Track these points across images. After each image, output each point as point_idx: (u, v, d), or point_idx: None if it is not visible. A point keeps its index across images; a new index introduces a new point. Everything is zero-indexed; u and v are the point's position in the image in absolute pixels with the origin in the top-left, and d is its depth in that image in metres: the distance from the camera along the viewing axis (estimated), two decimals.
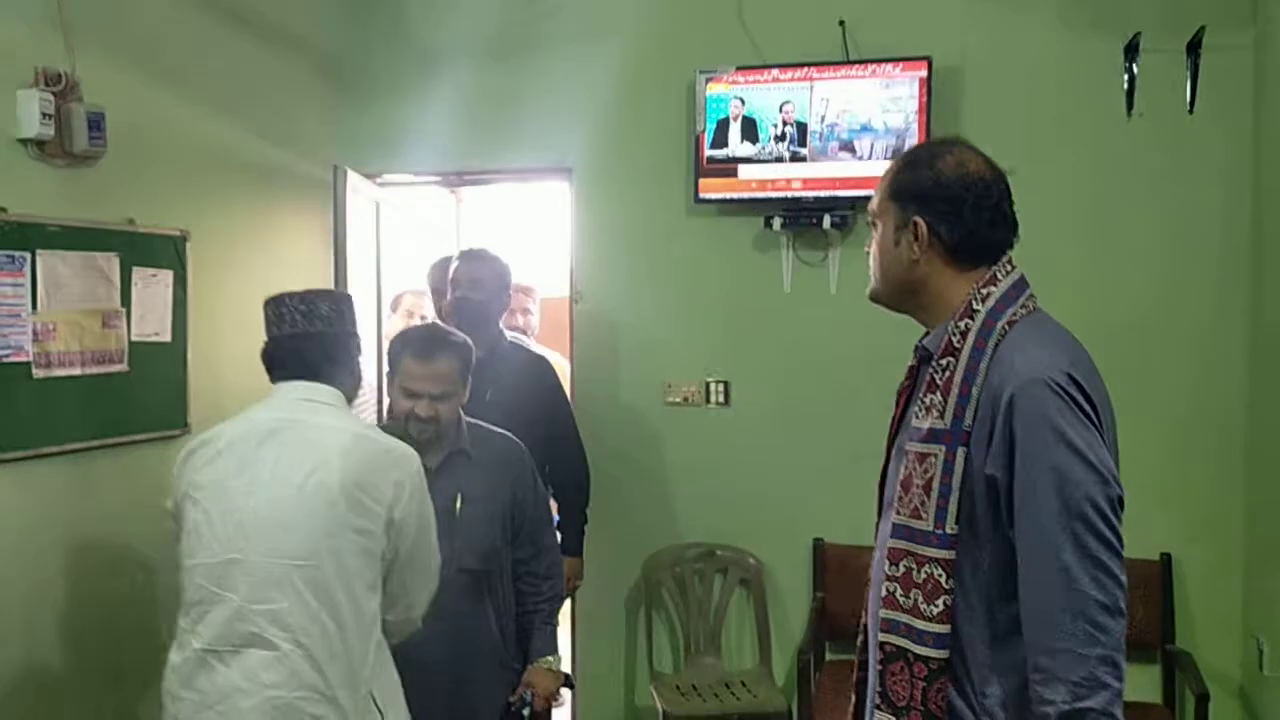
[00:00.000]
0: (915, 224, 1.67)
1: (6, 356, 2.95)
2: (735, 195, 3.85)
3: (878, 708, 1.66)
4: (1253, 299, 3.49)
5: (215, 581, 2.03)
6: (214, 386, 3.54)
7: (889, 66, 3.67)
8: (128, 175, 3.34)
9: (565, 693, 2.93)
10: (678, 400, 4.05)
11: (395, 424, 2.58)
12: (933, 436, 1.62)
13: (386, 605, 2.16)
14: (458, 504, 2.59)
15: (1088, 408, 1.54)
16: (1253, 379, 3.50)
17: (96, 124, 3.12)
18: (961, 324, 1.64)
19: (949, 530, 1.58)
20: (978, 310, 1.64)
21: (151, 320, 3.43)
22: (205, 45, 3.70)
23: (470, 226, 5.68)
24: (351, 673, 2.04)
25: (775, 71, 3.79)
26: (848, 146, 3.75)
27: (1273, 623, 3.27)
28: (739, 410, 4.00)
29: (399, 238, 4.66)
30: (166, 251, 3.49)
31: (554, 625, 2.86)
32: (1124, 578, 1.50)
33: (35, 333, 3.02)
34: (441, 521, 2.48)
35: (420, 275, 4.29)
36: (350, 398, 2.29)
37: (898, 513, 1.66)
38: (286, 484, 2.05)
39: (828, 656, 3.81)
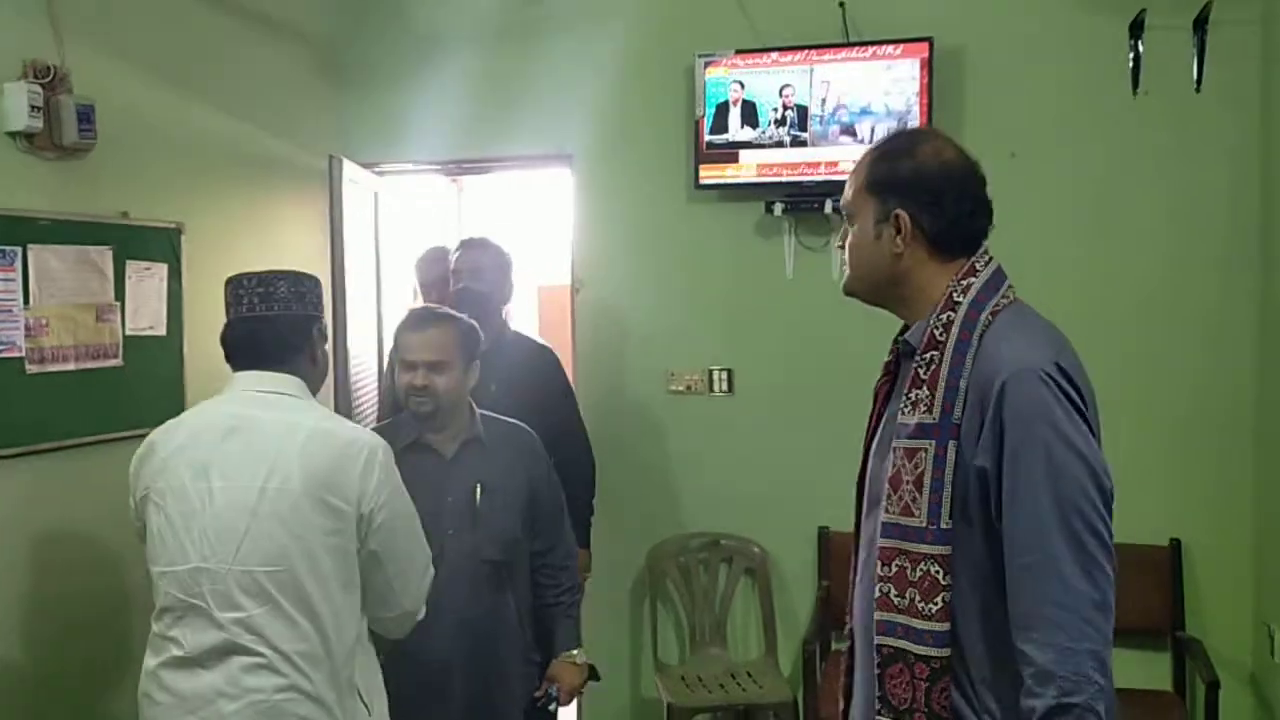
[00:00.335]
0: (897, 216, 1.63)
1: (0, 352, 2.92)
2: (735, 180, 3.80)
3: (878, 713, 1.61)
4: (1261, 280, 3.44)
5: (186, 591, 1.96)
6: (210, 380, 3.44)
7: (889, 48, 3.62)
8: (120, 167, 3.31)
9: (590, 684, 2.88)
10: (681, 389, 4.02)
11: (398, 401, 2.61)
12: (921, 432, 1.58)
13: (377, 604, 2.09)
14: (477, 494, 2.56)
15: (1077, 399, 1.51)
16: (1261, 361, 3.45)
17: (86, 116, 3.08)
18: (944, 317, 1.60)
19: (943, 525, 1.54)
20: (959, 302, 1.60)
21: (146, 314, 3.40)
22: (198, 35, 3.66)
23: (472, 215, 5.63)
24: (334, 671, 1.99)
25: (775, 55, 3.74)
26: (849, 130, 3.70)
27: None
28: (742, 398, 3.97)
29: (399, 227, 4.63)
30: (161, 244, 3.46)
31: (576, 618, 2.81)
32: (1113, 574, 1.47)
33: (28, 328, 2.99)
34: (462, 512, 2.53)
35: None
36: (315, 384, 2.17)
37: (887, 511, 1.62)
38: (247, 489, 1.96)
39: (833, 646, 3.77)
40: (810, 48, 3.70)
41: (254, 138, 3.91)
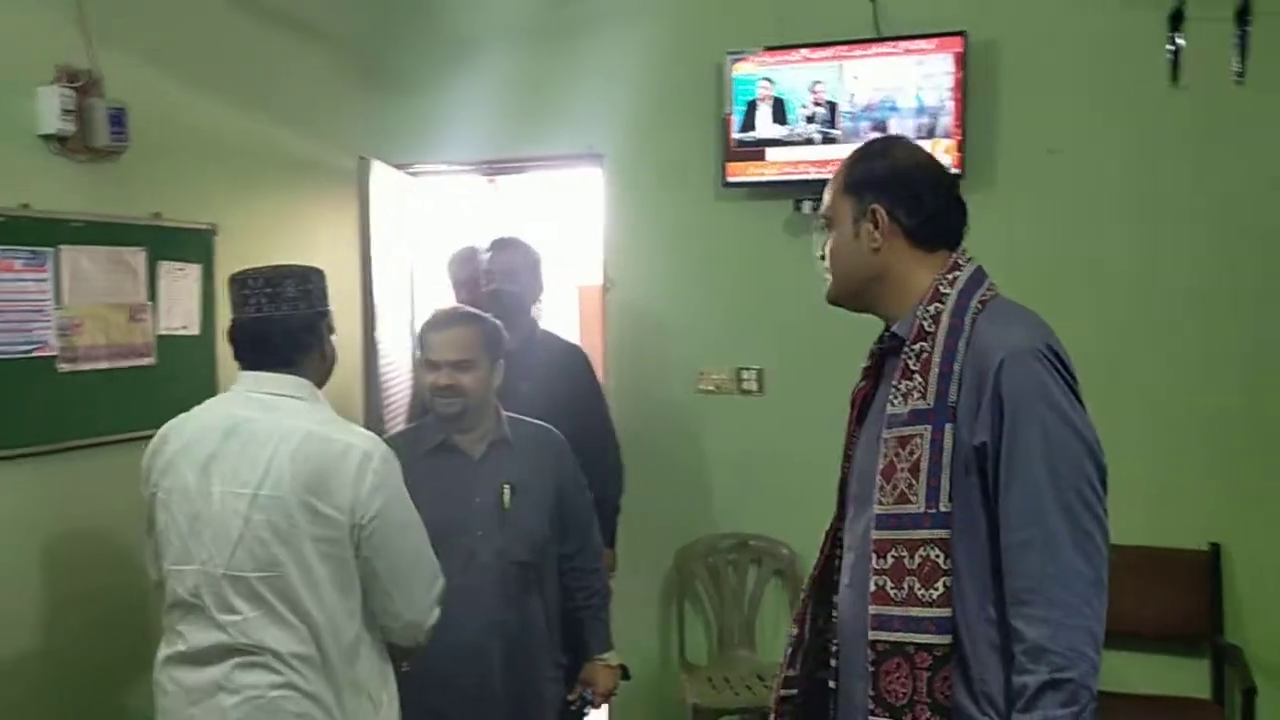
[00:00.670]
0: (874, 211, 1.69)
1: (31, 352, 2.98)
2: (763, 179, 3.77)
3: (871, 713, 1.58)
4: None
5: (189, 591, 2.00)
6: None
7: (921, 42, 3.56)
8: (153, 169, 3.36)
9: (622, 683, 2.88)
10: (710, 388, 3.99)
11: (430, 406, 2.59)
12: (916, 418, 1.59)
13: (380, 612, 2.06)
14: (505, 495, 2.53)
15: (1069, 379, 1.55)
16: None
17: (118, 119, 3.14)
18: (931, 308, 1.64)
19: (942, 508, 1.54)
20: (947, 294, 1.64)
21: (179, 313, 3.45)
22: (231, 39, 3.71)
23: (508, 215, 5.64)
24: (330, 671, 1.99)
25: (805, 51, 3.70)
26: (880, 126, 3.64)
27: None
28: (771, 398, 3.93)
29: (434, 227, 4.66)
30: (194, 245, 3.51)
31: (606, 620, 2.79)
32: (1107, 551, 1.48)
33: (60, 327, 3.05)
34: (490, 513, 2.50)
35: None
36: (321, 380, 2.17)
37: (880, 503, 1.61)
38: (240, 495, 1.97)
39: None
40: (840, 43, 3.66)
41: (287, 140, 3.96)
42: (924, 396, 1.59)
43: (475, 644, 2.46)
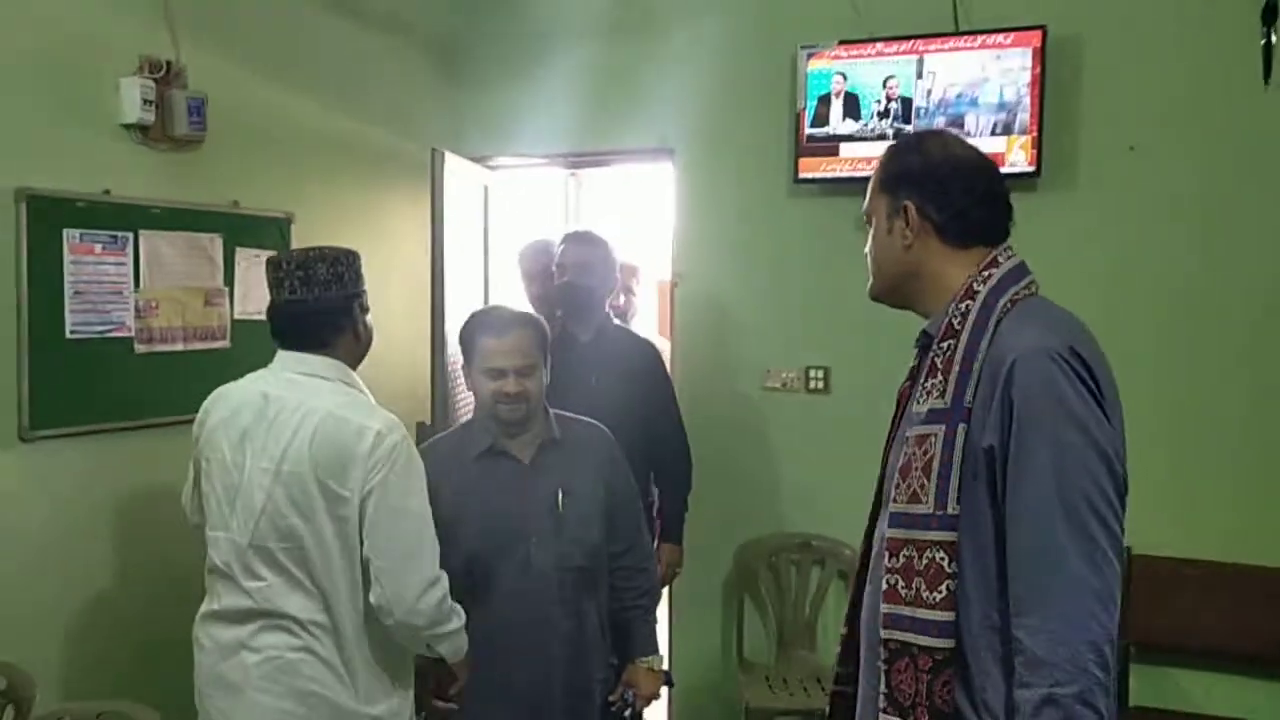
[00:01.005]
0: (905, 208, 1.66)
1: (110, 332, 3.10)
2: (835, 175, 3.72)
3: (883, 711, 1.56)
4: None
5: (221, 556, 2.15)
6: None
7: (999, 37, 3.46)
8: (232, 158, 3.47)
9: (663, 690, 2.82)
10: (776, 386, 3.95)
11: (483, 412, 2.49)
12: (933, 417, 1.56)
13: (374, 606, 2.09)
14: (560, 500, 2.46)
15: (1090, 382, 1.47)
16: None
17: (197, 109, 3.24)
18: (962, 305, 1.60)
19: (950, 510, 1.51)
20: (979, 291, 1.60)
21: (255, 299, 3.54)
22: (311, 32, 3.81)
23: (589, 209, 5.68)
24: (341, 642, 2.10)
25: (879, 45, 3.64)
26: (956, 122, 3.56)
27: None
28: (838, 397, 3.87)
29: (513, 221, 4.70)
30: (270, 233, 3.61)
31: (654, 622, 2.71)
32: (1119, 565, 1.42)
33: (137, 309, 3.17)
34: (545, 519, 2.43)
35: None
36: (356, 359, 2.26)
37: (895, 501, 1.59)
38: (265, 471, 2.09)
39: None
40: (916, 37, 3.58)
41: (365, 132, 4.04)
42: (942, 396, 1.56)
43: (534, 652, 2.42)
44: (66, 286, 2.98)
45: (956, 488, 1.50)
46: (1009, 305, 1.56)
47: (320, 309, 2.16)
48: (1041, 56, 3.41)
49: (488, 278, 4.46)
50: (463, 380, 2.67)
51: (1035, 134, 3.41)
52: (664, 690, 2.80)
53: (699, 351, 4.08)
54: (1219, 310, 3.34)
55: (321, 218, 3.79)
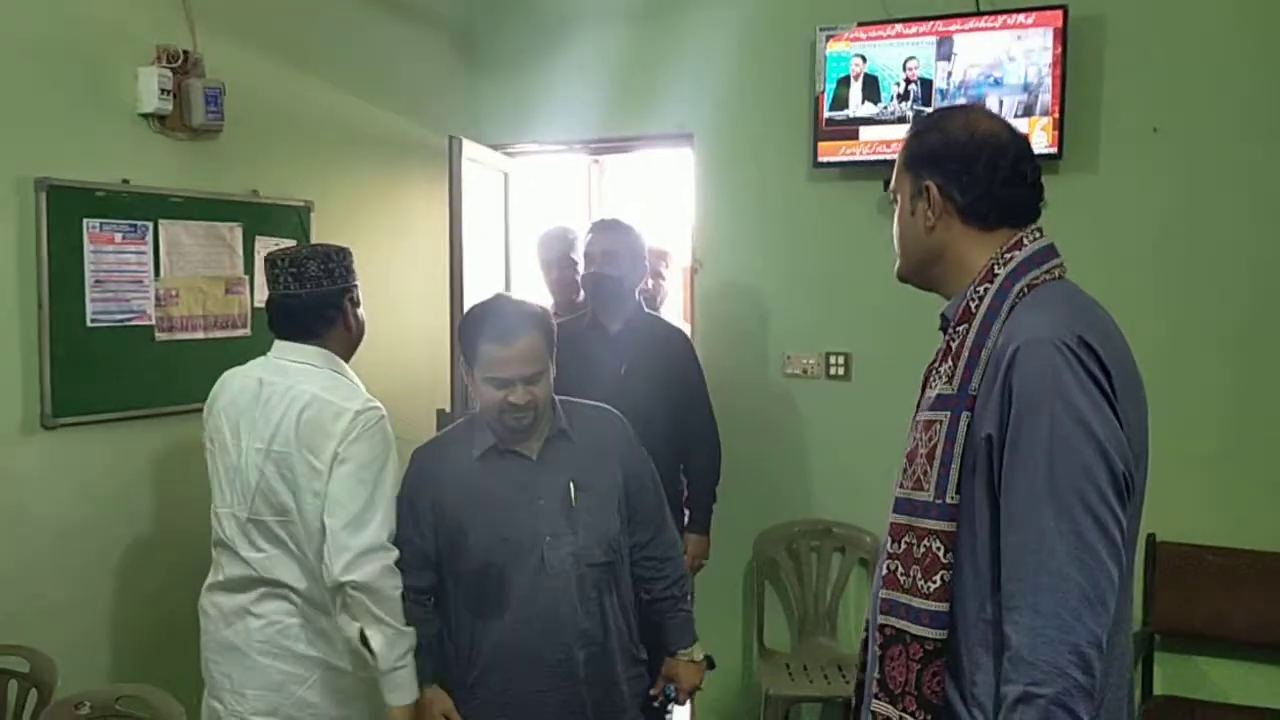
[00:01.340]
0: (927, 188, 1.61)
1: (130, 320, 3.13)
2: (854, 158, 3.68)
3: (875, 696, 1.55)
4: None
5: (223, 530, 2.37)
6: None
7: (1020, 16, 3.41)
8: (251, 147, 3.48)
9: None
10: (796, 372, 3.93)
11: (489, 419, 2.34)
12: (940, 403, 1.52)
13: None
14: (572, 494, 2.34)
15: (1099, 374, 1.41)
16: None
17: (214, 99, 3.25)
18: (980, 289, 1.55)
19: (949, 500, 1.47)
20: (998, 274, 1.54)
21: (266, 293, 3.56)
22: (329, 20, 3.81)
23: (612, 195, 5.66)
24: (322, 614, 2.27)
25: (899, 26, 3.59)
26: (977, 104, 3.52)
27: None
28: (859, 383, 3.85)
29: (534, 208, 4.70)
30: (290, 221, 3.62)
31: (688, 611, 2.56)
32: (1113, 566, 1.36)
33: (157, 298, 3.19)
34: (557, 516, 2.32)
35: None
36: (352, 347, 2.43)
37: (901, 486, 1.56)
38: (258, 450, 2.28)
39: None
40: (936, 18, 3.54)
41: (384, 119, 4.05)
42: (950, 382, 1.51)
43: (557, 656, 2.32)
44: (87, 275, 3.01)
45: (956, 477, 1.47)
46: (1024, 290, 1.51)
47: (310, 303, 2.34)
48: (1063, 36, 3.36)
49: (509, 265, 4.47)
50: None
51: (1056, 115, 3.37)
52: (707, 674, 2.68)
53: (719, 337, 4.06)
54: (1242, 295, 3.28)
55: (341, 206, 3.81)
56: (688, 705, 3.21)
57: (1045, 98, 3.40)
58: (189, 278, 3.29)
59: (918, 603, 1.49)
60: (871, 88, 3.64)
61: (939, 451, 1.49)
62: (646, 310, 3.57)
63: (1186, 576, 3.27)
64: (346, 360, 2.41)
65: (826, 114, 3.71)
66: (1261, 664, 3.24)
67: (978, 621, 1.46)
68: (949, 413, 1.50)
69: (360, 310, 2.44)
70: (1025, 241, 1.57)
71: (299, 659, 2.29)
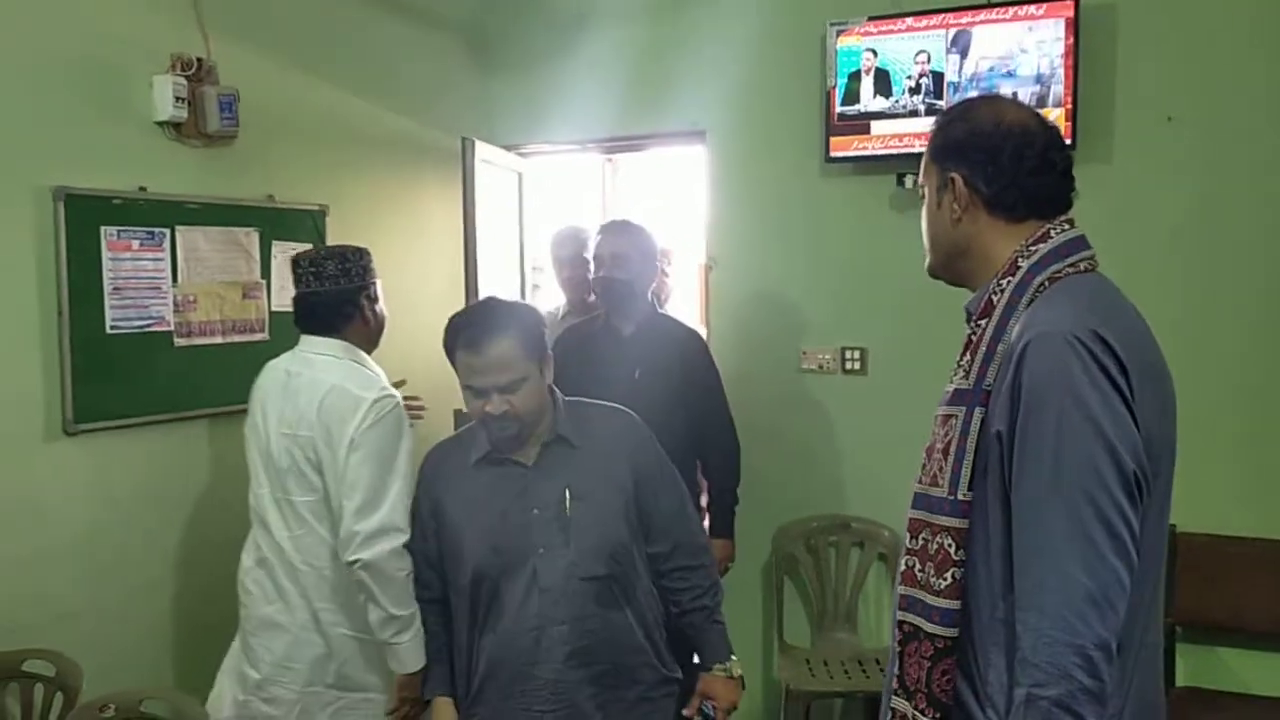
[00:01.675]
0: (952, 180, 1.57)
1: (149, 326, 3.16)
2: (867, 152, 3.67)
3: (894, 693, 1.54)
4: None
5: (258, 510, 2.57)
6: None
7: (1031, 7, 3.40)
8: (266, 153, 3.51)
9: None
10: (812, 367, 3.93)
11: (480, 428, 2.26)
12: (957, 398, 1.50)
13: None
14: (567, 503, 2.21)
15: (1114, 370, 1.37)
16: None
17: (228, 105, 3.28)
18: (1003, 282, 1.51)
19: (961, 496, 1.45)
20: (1021, 266, 1.51)
21: (292, 292, 3.58)
22: (342, 25, 3.84)
23: (626, 194, 5.67)
24: (349, 591, 2.41)
25: (910, 19, 3.58)
26: None
27: None
28: (875, 378, 3.84)
29: (549, 208, 4.72)
30: (306, 225, 3.65)
31: (721, 624, 2.40)
32: (1122, 568, 1.33)
33: (176, 304, 3.22)
34: (551, 526, 2.20)
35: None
36: (372, 340, 2.63)
37: (919, 482, 1.54)
38: (286, 436, 2.48)
39: None
40: (946, 10, 3.53)
41: (397, 122, 4.07)
42: (966, 376, 1.49)
43: (551, 676, 2.19)
44: (105, 283, 3.05)
45: (969, 474, 1.45)
46: (1046, 284, 1.47)
47: (329, 299, 2.54)
48: (1075, 27, 3.34)
49: (524, 264, 4.48)
50: None
51: (1070, 106, 3.35)
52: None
53: (733, 334, 4.06)
54: (1259, 284, 3.26)
55: (356, 209, 3.83)
56: None
57: (1058, 89, 3.38)
58: (206, 283, 3.32)
59: (930, 599, 1.48)
60: (883, 82, 3.63)
61: (953, 447, 1.47)
62: (660, 311, 3.55)
63: (1207, 567, 3.25)
64: (369, 352, 2.61)
65: (838, 109, 3.70)
66: None
67: (991, 620, 1.44)
68: (964, 408, 1.48)
69: (379, 306, 2.63)
70: (1053, 233, 1.52)
71: (333, 634, 2.49)
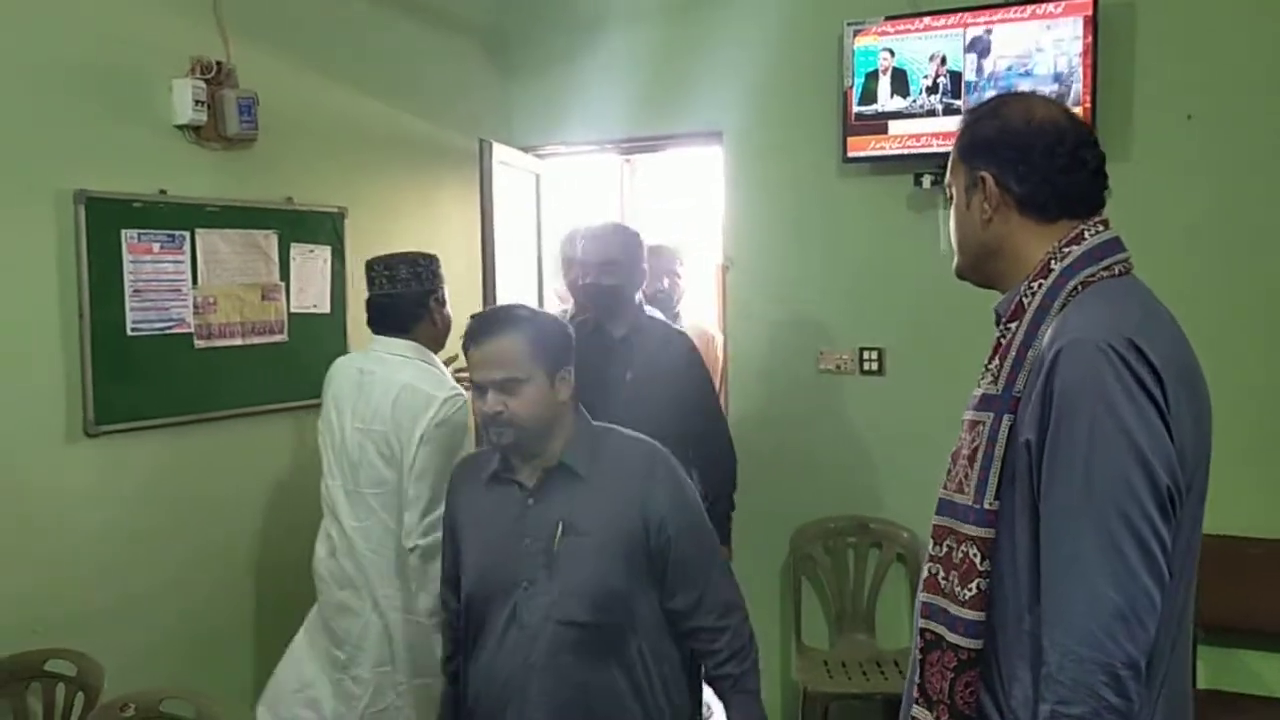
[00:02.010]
0: (982, 179, 1.53)
1: (170, 329, 3.18)
2: (884, 153, 3.66)
3: (915, 701, 1.51)
4: None
5: (329, 501, 2.76)
6: None
7: (1049, 6, 3.38)
8: (285, 155, 3.53)
9: None
10: (830, 368, 3.92)
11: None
12: (985, 404, 1.46)
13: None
14: (556, 536, 2.01)
15: (1149, 380, 1.33)
16: None
17: (248, 108, 3.30)
18: (1034, 285, 1.47)
19: (987, 505, 1.42)
20: (1053, 269, 1.47)
21: (310, 293, 3.61)
22: (360, 27, 3.85)
23: (643, 194, 5.67)
24: (406, 576, 2.60)
25: (927, 19, 3.57)
26: None
27: None
28: (893, 378, 3.83)
29: (567, 209, 4.72)
30: (324, 227, 3.67)
31: (750, 692, 2.15)
32: (1153, 584, 1.30)
33: (196, 306, 3.25)
34: (538, 560, 2.03)
35: None
36: (439, 340, 2.80)
37: (944, 488, 1.51)
38: (359, 430, 2.66)
39: None
40: (964, 10, 3.51)
41: (415, 124, 4.08)
42: (995, 381, 1.45)
43: None
44: (126, 285, 3.07)
45: (996, 482, 1.41)
46: (1079, 288, 1.44)
47: (402, 302, 2.72)
48: (1093, 25, 3.32)
49: (541, 266, 4.49)
50: None
51: (1088, 105, 3.33)
52: None
53: (751, 335, 4.05)
54: (1278, 284, 3.24)
55: (374, 211, 3.84)
56: None
57: (1077, 88, 3.36)
58: (226, 285, 3.34)
59: (954, 609, 1.45)
60: (900, 81, 3.62)
61: (980, 454, 1.44)
62: (650, 314, 3.49)
63: (1228, 569, 3.21)
64: (435, 351, 2.79)
65: (855, 109, 3.69)
66: None
67: (1017, 633, 1.41)
68: (992, 414, 1.44)
69: (446, 309, 2.81)
70: (1087, 235, 1.48)
71: (392, 618, 2.66)
